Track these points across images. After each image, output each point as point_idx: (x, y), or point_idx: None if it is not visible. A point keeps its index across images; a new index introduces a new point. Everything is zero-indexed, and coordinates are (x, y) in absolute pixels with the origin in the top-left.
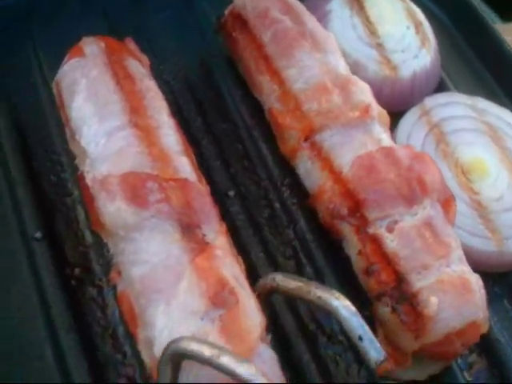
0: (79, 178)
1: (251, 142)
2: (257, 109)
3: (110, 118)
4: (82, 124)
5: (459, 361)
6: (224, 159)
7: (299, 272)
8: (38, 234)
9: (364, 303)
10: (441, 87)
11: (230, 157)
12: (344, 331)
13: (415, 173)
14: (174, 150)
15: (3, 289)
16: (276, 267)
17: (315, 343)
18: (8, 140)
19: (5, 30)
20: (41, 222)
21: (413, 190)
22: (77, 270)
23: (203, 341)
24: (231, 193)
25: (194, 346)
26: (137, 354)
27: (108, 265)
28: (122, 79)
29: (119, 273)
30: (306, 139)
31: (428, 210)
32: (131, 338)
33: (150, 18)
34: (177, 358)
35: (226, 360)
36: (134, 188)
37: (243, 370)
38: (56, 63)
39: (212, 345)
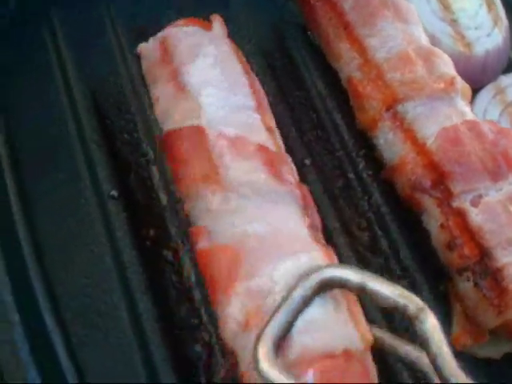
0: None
1: (325, 112)
2: (331, 77)
3: (240, 94)
4: (207, 84)
5: None
6: (298, 127)
7: (373, 244)
8: (114, 192)
9: (439, 279)
10: (510, 68)
11: (304, 125)
12: None
13: (500, 147)
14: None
15: (78, 248)
16: (351, 238)
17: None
18: (81, 99)
19: None
20: (116, 181)
21: (498, 165)
22: (152, 232)
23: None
24: (307, 161)
25: (341, 273)
26: (213, 320)
27: (185, 227)
28: (247, 71)
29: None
30: (387, 109)
31: None
32: (208, 303)
33: None
34: (323, 287)
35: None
36: (271, 161)
37: (391, 291)
38: (132, 26)
39: (356, 270)
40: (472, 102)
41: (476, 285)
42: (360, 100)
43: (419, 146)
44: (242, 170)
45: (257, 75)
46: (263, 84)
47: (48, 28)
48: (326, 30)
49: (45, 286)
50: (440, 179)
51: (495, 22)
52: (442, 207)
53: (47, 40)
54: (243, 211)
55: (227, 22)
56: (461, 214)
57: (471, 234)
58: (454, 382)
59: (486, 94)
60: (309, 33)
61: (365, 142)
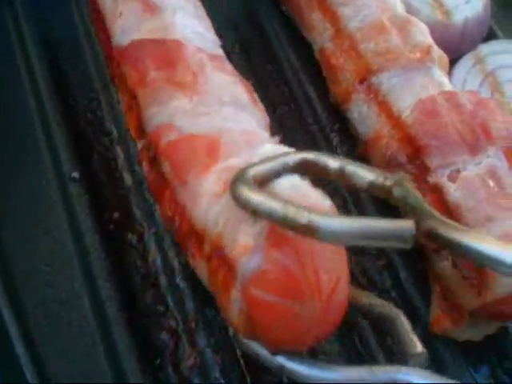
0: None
1: (298, 85)
2: (304, 49)
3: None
4: (181, 10)
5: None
6: (269, 102)
7: None
8: (75, 174)
9: (417, 258)
10: (490, 35)
11: (275, 99)
12: (396, 285)
13: (479, 119)
14: None
15: (38, 234)
16: None
17: None
18: (43, 77)
19: None
20: (78, 162)
21: (477, 137)
22: (116, 214)
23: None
24: (278, 137)
25: (322, 157)
26: (180, 306)
27: (149, 209)
28: None
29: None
30: (361, 81)
31: (492, 158)
32: (173, 288)
33: None
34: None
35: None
36: (247, 86)
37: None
38: None
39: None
40: (450, 71)
41: (454, 264)
42: (333, 72)
43: (394, 119)
44: (222, 80)
45: (226, 48)
46: (233, 57)
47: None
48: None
49: (3, 275)
50: (416, 153)
51: None
52: (419, 183)
53: (8, 19)
54: (220, 113)
55: None
56: (438, 190)
57: (449, 210)
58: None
59: (465, 64)
60: (281, 4)
61: (339, 115)
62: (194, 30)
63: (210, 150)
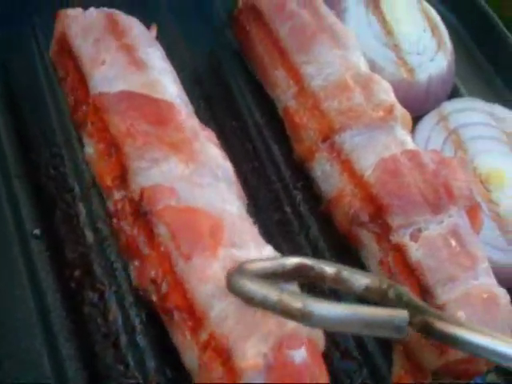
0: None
1: (262, 142)
2: (268, 106)
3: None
4: (166, 72)
5: (478, 380)
6: (234, 159)
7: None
8: (37, 231)
9: None
10: (454, 93)
11: (239, 157)
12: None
13: (441, 178)
14: None
15: None
16: None
17: (329, 358)
18: (5, 130)
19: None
20: (39, 219)
21: (439, 197)
22: (77, 272)
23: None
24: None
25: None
26: (140, 365)
27: (111, 267)
28: None
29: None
30: (324, 140)
31: (454, 218)
32: (134, 347)
33: (156, 9)
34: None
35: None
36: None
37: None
38: None
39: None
40: (415, 129)
41: None
42: (296, 130)
43: (357, 178)
44: (215, 152)
45: (192, 104)
46: (198, 114)
47: None
48: (261, 57)
49: None
50: (378, 213)
51: (439, 46)
52: (381, 242)
53: None
54: (216, 190)
55: (162, 46)
56: (400, 249)
57: (411, 270)
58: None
59: (428, 121)
60: (245, 61)
61: (303, 173)
62: (179, 95)
63: (213, 231)
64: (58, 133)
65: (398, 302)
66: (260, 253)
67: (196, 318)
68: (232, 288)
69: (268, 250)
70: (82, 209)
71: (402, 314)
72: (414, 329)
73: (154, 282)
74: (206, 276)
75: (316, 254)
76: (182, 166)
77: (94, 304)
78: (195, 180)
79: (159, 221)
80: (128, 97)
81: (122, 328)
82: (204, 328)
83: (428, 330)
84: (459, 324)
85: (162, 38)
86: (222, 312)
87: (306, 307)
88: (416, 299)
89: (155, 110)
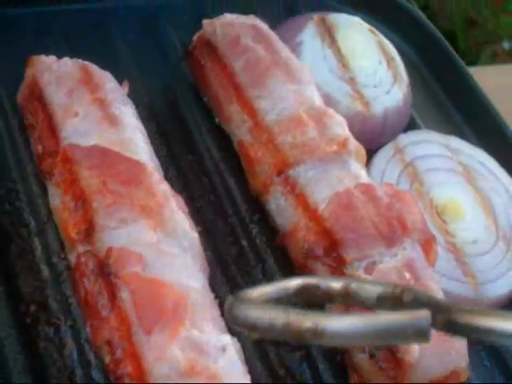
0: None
1: (218, 176)
2: (224, 140)
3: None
4: (136, 129)
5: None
6: (189, 193)
7: None
8: None
9: (336, 349)
10: (411, 125)
11: (195, 191)
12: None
13: (395, 211)
14: None
15: None
16: None
17: None
18: None
19: None
20: None
21: (393, 230)
22: (32, 307)
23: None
24: (198, 228)
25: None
26: None
27: (66, 301)
28: None
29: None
30: (278, 174)
31: (409, 250)
32: (89, 381)
33: (112, 42)
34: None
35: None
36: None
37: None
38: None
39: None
40: (371, 161)
41: (371, 356)
42: (251, 164)
43: (311, 212)
44: (183, 221)
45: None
46: (153, 147)
47: None
48: (216, 91)
49: None
50: (332, 246)
51: (395, 79)
52: (336, 275)
53: None
54: (183, 261)
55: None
56: None
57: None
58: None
59: (384, 154)
60: (201, 95)
61: (259, 206)
62: (151, 157)
63: (176, 309)
64: (13, 168)
65: (416, 304)
66: (218, 339)
67: None
68: (233, 319)
69: (227, 339)
70: (37, 244)
71: (422, 315)
72: (437, 328)
73: (109, 344)
74: (164, 356)
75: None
76: (150, 232)
77: (49, 339)
78: (163, 248)
79: (123, 286)
80: (101, 152)
81: (78, 362)
82: None
83: (453, 327)
84: (485, 313)
85: (116, 72)
86: None
87: (317, 325)
88: (435, 296)
89: (128, 170)
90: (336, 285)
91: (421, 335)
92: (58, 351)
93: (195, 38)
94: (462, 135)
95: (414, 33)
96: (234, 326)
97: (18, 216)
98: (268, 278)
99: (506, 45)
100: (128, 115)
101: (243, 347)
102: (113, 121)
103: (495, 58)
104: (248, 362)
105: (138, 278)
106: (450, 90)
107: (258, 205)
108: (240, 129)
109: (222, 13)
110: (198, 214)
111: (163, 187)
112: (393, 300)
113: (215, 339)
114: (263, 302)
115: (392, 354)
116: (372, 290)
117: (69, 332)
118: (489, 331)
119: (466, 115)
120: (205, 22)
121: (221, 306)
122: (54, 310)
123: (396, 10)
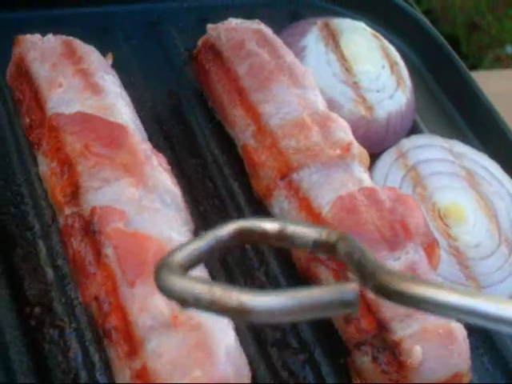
0: None
1: (222, 180)
2: (228, 144)
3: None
4: (120, 97)
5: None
6: (193, 197)
7: None
8: None
9: (339, 352)
10: (414, 129)
11: (199, 194)
12: (317, 380)
13: (398, 215)
14: None
15: None
16: None
17: None
18: None
19: None
20: None
21: (396, 234)
22: (37, 309)
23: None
24: (201, 233)
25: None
26: None
27: (71, 304)
28: None
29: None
30: (282, 178)
31: (411, 254)
32: (93, 383)
33: (116, 47)
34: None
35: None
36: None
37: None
38: None
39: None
40: (374, 165)
41: (374, 359)
42: (255, 168)
43: (314, 216)
44: (165, 178)
45: (151, 142)
46: (157, 151)
47: None
48: (220, 96)
49: None
50: None
51: (398, 84)
52: (339, 278)
53: None
54: (165, 216)
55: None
56: None
57: (368, 306)
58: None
59: (387, 158)
60: (206, 99)
61: (262, 210)
62: (133, 120)
63: (158, 259)
64: (17, 171)
65: (349, 261)
66: None
67: (132, 344)
68: (161, 289)
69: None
70: (42, 246)
71: (349, 288)
72: (371, 291)
73: (96, 299)
74: (146, 306)
75: (275, 289)
76: (132, 189)
77: (53, 341)
78: (144, 204)
79: (107, 242)
80: (83, 118)
81: (82, 364)
82: (139, 357)
83: (386, 293)
84: (416, 281)
85: (120, 77)
86: (157, 347)
87: (243, 305)
88: (368, 255)
89: (109, 132)
90: (272, 227)
91: (349, 306)
92: (62, 353)
93: (199, 42)
94: (465, 139)
95: (417, 37)
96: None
97: (22, 219)
98: (271, 281)
99: (509, 48)
100: (111, 83)
101: (245, 348)
102: (95, 89)
103: (498, 63)
104: (251, 364)
105: (120, 233)
106: (453, 94)
107: (261, 208)
108: (244, 133)
109: (226, 17)
110: (202, 218)
111: (144, 146)
112: (327, 247)
113: None
114: (191, 267)
115: (395, 356)
116: (308, 235)
117: (73, 334)
118: (420, 299)
119: (469, 120)
120: (209, 26)
121: None
122: (58, 312)
123: (399, 15)
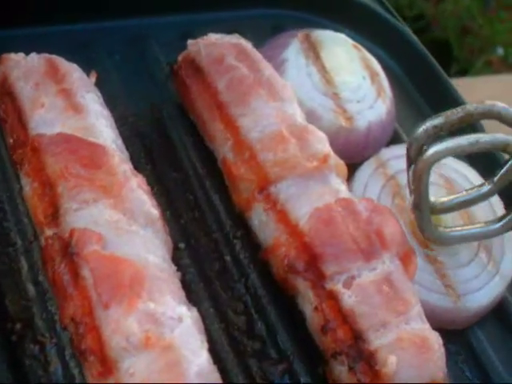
0: None
1: (202, 192)
2: (209, 158)
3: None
4: (101, 116)
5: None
6: (174, 210)
7: (250, 328)
8: None
9: (318, 362)
10: (395, 139)
11: (181, 207)
12: None
13: (374, 226)
14: None
15: None
16: (226, 322)
17: None
18: None
19: None
20: None
21: (372, 244)
22: (18, 325)
23: None
24: (181, 245)
25: None
26: None
27: (52, 319)
28: None
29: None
30: (260, 190)
31: (387, 264)
32: None
33: (99, 62)
34: None
35: None
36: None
37: None
38: None
39: None
40: (354, 175)
41: (351, 369)
42: (234, 181)
43: (292, 227)
44: (144, 199)
45: (132, 157)
46: (139, 165)
47: None
48: (201, 110)
49: None
50: (312, 261)
51: (379, 94)
52: (316, 290)
53: None
54: (142, 238)
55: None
56: (333, 297)
57: (344, 316)
58: None
59: (367, 168)
60: (187, 113)
61: (242, 222)
62: (114, 140)
63: (134, 283)
64: (0, 188)
65: None
66: (174, 310)
67: (106, 364)
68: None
69: (184, 310)
70: (23, 263)
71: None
72: None
73: (73, 320)
74: (120, 327)
75: (254, 300)
76: (110, 211)
77: (34, 356)
78: (122, 226)
79: (84, 264)
80: (64, 139)
81: (62, 379)
82: (113, 377)
83: None
84: None
85: (103, 92)
86: (130, 368)
87: None
88: None
89: (89, 153)
90: None
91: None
92: (43, 368)
93: (180, 57)
94: None
95: (399, 47)
96: None
97: (5, 235)
98: (250, 292)
99: (500, 51)
100: (92, 102)
101: (225, 360)
102: (77, 109)
103: (490, 66)
104: (228, 374)
105: (97, 255)
106: (434, 103)
107: (241, 221)
108: (223, 146)
109: (208, 31)
110: (182, 230)
111: (124, 167)
112: None
113: (172, 311)
114: None
115: (370, 366)
116: None
117: (54, 349)
118: None
119: None
120: (189, 42)
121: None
122: (39, 327)
123: (381, 25)
